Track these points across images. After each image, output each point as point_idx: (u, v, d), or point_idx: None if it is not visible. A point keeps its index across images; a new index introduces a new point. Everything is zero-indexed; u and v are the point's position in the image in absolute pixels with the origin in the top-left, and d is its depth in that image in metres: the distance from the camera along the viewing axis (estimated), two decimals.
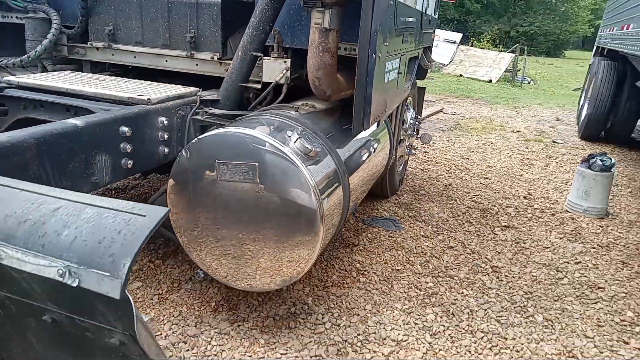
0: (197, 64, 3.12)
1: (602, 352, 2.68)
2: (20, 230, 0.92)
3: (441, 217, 4.36)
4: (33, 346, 1.20)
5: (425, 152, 6.55)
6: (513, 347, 2.68)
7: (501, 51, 20.35)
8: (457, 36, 16.10)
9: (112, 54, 3.31)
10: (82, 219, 0.93)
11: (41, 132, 1.84)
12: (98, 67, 3.48)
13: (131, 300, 0.84)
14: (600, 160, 4.61)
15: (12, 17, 3.52)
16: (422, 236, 3.93)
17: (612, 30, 7.95)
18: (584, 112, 8.18)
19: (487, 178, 5.66)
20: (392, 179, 4.47)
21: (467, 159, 6.43)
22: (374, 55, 2.46)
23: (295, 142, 2.24)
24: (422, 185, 5.21)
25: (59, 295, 0.94)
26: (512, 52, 18.56)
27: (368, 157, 3.12)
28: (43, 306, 1.01)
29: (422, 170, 5.78)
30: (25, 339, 1.25)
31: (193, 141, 2.34)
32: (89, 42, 3.31)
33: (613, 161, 4.68)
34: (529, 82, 17.24)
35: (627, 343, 2.79)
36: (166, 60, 3.19)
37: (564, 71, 23.98)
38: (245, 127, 2.32)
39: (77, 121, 2.02)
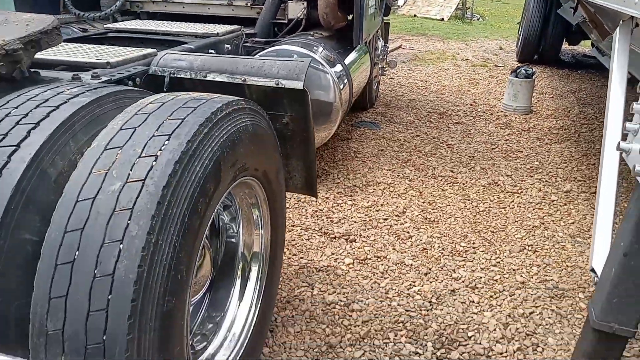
0: (232, 10, 4.35)
1: (515, 181, 4.25)
2: (253, 70, 2.24)
3: (409, 119, 5.82)
4: None
5: (391, 78, 7.94)
6: (461, 182, 4.21)
7: None
8: None
9: (165, 6, 4.49)
10: (278, 64, 2.25)
11: (181, 48, 3.11)
12: (149, 16, 4.65)
13: (308, 91, 2.20)
14: (524, 70, 6.12)
15: None
16: (396, 131, 5.39)
17: None
18: (520, 39, 9.69)
19: (442, 94, 7.13)
20: (371, 94, 5.87)
21: (426, 81, 7.87)
22: None
23: (321, 52, 3.58)
24: (391, 101, 6.63)
25: (266, 98, 2.27)
26: None
27: (359, 67, 4.49)
28: None
29: (391, 91, 7.19)
30: None
31: None
32: None
33: (533, 70, 6.21)
34: (478, 19, 18.65)
35: (531, 176, 4.36)
36: (209, 8, 4.40)
37: (510, 7, 25.35)
38: (287, 45, 3.64)
39: (191, 45, 3.29)
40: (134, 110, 1.50)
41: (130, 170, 1.30)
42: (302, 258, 3.08)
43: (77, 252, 1.22)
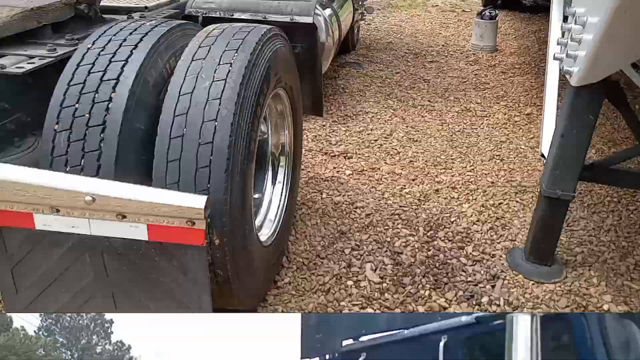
0: None
1: (484, 107, 4.87)
2: (271, 9, 2.73)
3: (388, 59, 6.34)
4: None
5: (369, 24, 8.37)
6: (438, 109, 4.80)
7: None
8: None
9: None
10: (292, 3, 2.73)
11: None
12: None
13: (316, 24, 2.70)
14: (488, 12, 6.67)
15: None
16: (378, 70, 5.92)
17: None
18: None
19: (416, 37, 7.64)
20: (353, 37, 6.34)
21: (400, 26, 8.34)
22: None
23: None
24: (371, 44, 7.11)
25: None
26: None
27: (345, 11, 4.96)
28: None
29: (370, 35, 7.65)
30: None
31: None
32: None
33: (497, 12, 6.76)
34: None
35: (498, 103, 4.99)
36: None
37: None
38: None
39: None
40: (204, 35, 2.00)
41: (214, 73, 1.82)
42: (309, 172, 3.66)
43: (184, 129, 1.76)
